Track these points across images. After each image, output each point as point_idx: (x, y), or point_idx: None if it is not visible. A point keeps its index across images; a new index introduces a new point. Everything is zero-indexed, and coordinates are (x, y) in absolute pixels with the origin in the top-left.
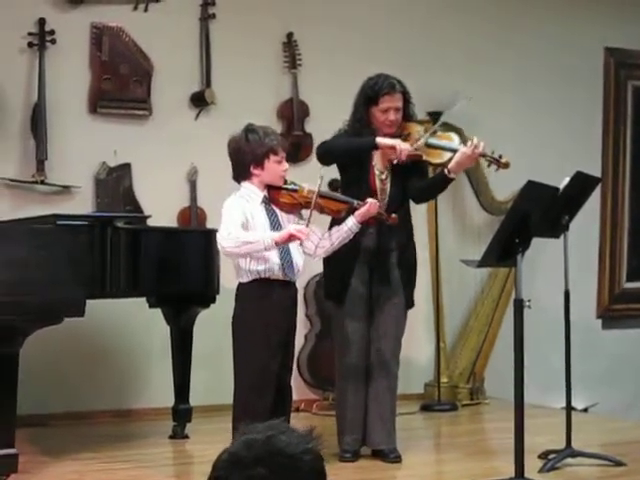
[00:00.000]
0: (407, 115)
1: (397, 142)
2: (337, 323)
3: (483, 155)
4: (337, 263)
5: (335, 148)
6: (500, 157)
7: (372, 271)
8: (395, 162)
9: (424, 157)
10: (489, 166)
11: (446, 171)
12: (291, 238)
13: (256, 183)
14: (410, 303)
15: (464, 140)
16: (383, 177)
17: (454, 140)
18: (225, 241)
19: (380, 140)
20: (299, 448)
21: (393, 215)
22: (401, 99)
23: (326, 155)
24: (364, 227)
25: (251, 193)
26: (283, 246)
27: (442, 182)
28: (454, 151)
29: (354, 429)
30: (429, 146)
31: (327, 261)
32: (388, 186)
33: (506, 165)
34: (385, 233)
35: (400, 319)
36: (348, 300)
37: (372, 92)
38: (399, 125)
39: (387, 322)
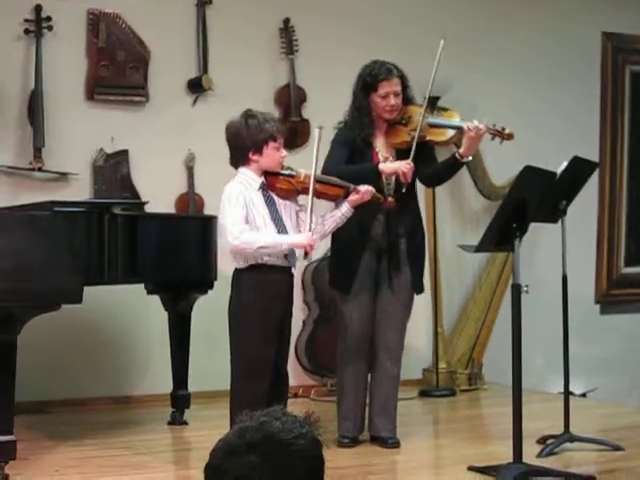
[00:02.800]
0: (406, 99)
1: (397, 166)
2: (342, 310)
3: (487, 130)
4: (346, 252)
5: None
6: (503, 129)
7: (380, 258)
8: (404, 190)
9: (428, 137)
10: (493, 139)
11: (457, 155)
12: (306, 249)
13: (254, 169)
14: (419, 289)
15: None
16: (388, 162)
17: (455, 117)
18: (237, 241)
19: (382, 167)
20: (292, 433)
21: (390, 199)
22: (399, 83)
23: None
24: (374, 215)
25: (249, 179)
26: (281, 231)
27: (454, 166)
28: (457, 128)
29: (354, 415)
30: (432, 126)
31: (335, 250)
32: (393, 183)
33: (510, 136)
34: (393, 220)
35: (407, 306)
36: (354, 289)
37: (370, 78)
38: (400, 110)
39: (394, 309)
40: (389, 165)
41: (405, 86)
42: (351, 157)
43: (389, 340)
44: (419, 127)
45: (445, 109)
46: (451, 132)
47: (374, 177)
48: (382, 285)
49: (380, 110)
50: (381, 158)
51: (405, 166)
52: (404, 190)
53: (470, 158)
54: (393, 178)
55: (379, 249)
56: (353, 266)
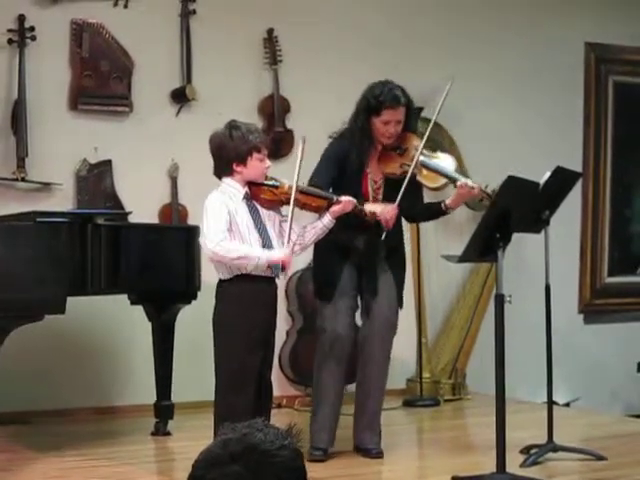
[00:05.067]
0: (407, 126)
1: (381, 210)
2: (322, 319)
3: (480, 193)
4: (327, 264)
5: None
6: (494, 193)
7: (361, 271)
8: (383, 237)
9: (418, 178)
10: (481, 200)
11: (444, 206)
12: (283, 264)
13: (238, 179)
14: (400, 304)
15: (457, 157)
16: (376, 186)
17: (450, 164)
18: (217, 247)
19: (368, 208)
20: (275, 445)
21: (373, 211)
22: (404, 112)
23: None
24: (356, 229)
25: (232, 189)
26: (266, 243)
27: (437, 214)
28: (450, 179)
29: (329, 426)
30: (425, 167)
31: (317, 262)
32: (381, 196)
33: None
34: (374, 233)
35: (392, 320)
36: (336, 297)
37: (375, 102)
38: (399, 136)
39: (379, 323)
40: (374, 206)
41: (409, 112)
42: (340, 174)
43: (376, 355)
44: (413, 166)
45: (428, 120)
46: (443, 181)
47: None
48: (365, 300)
49: (378, 134)
50: (370, 181)
51: (389, 212)
52: (383, 237)
53: (451, 212)
54: (381, 191)
55: (360, 262)
56: (334, 277)
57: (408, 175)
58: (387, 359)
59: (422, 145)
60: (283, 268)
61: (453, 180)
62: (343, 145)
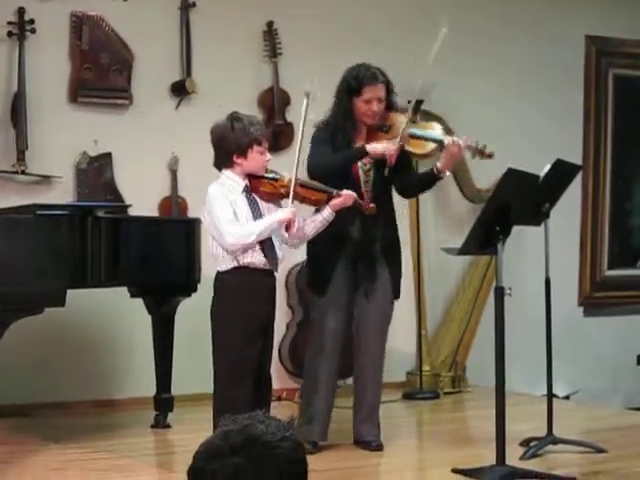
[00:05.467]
0: (389, 105)
1: (385, 147)
2: (317, 312)
3: (468, 148)
4: (321, 254)
5: (330, 169)
6: (485, 147)
7: (356, 262)
8: (386, 173)
9: (407, 148)
10: (473, 157)
11: (435, 170)
12: (288, 222)
13: (237, 172)
14: (397, 294)
15: (446, 128)
16: (366, 168)
17: (436, 129)
18: (242, 240)
19: (370, 148)
20: (276, 436)
21: (371, 205)
22: (384, 89)
23: (322, 177)
24: (349, 219)
25: (232, 182)
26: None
27: (430, 181)
28: (437, 142)
29: (323, 419)
30: (412, 136)
31: (310, 252)
32: (372, 177)
33: (490, 156)
34: (369, 224)
35: (387, 311)
36: (330, 290)
37: (355, 82)
38: (382, 116)
39: (374, 314)
40: (376, 146)
41: (389, 92)
42: None
43: (371, 346)
44: (400, 136)
45: (430, 114)
46: (432, 145)
47: (362, 157)
48: (360, 291)
49: (361, 115)
50: (359, 164)
51: (392, 147)
52: (386, 174)
53: (448, 174)
54: (372, 172)
55: (355, 254)
56: (328, 271)
57: (397, 140)
58: (382, 350)
59: (410, 113)
60: (288, 227)
61: (440, 142)
62: (328, 130)
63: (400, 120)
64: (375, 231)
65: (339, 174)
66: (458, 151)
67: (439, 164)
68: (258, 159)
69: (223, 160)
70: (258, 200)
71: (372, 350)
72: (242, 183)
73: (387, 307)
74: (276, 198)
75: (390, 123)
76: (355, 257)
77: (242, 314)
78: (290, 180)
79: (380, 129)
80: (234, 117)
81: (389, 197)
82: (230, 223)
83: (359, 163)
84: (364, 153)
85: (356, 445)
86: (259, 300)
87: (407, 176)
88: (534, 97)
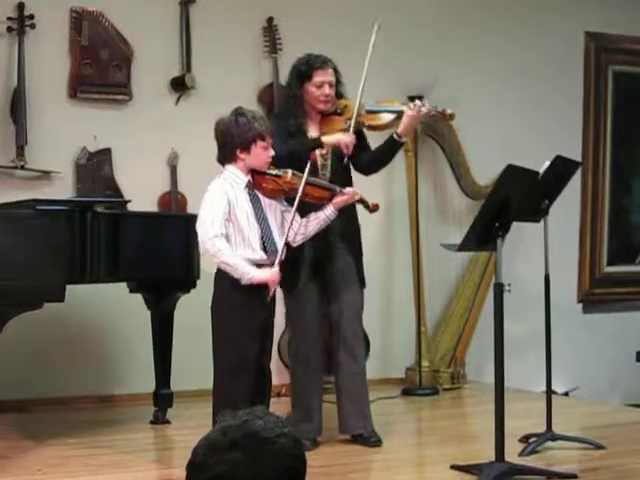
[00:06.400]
0: (338, 94)
1: (339, 137)
2: (290, 311)
3: (429, 112)
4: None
5: (282, 159)
6: (444, 110)
7: (321, 255)
8: (345, 161)
9: (367, 123)
10: (437, 121)
11: (395, 136)
12: (268, 283)
13: (240, 167)
14: (363, 283)
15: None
16: (324, 152)
17: (395, 102)
18: (209, 243)
19: (325, 139)
20: (275, 432)
21: (375, 203)
22: (333, 74)
23: (279, 165)
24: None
25: (235, 177)
26: (266, 233)
27: (393, 147)
28: (397, 112)
29: (313, 416)
30: (370, 112)
31: None
32: (329, 162)
33: (451, 116)
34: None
35: (358, 301)
36: (300, 287)
37: (305, 67)
38: (333, 102)
39: (346, 306)
40: (331, 137)
41: (338, 81)
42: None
43: (346, 338)
44: (355, 112)
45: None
46: (391, 116)
47: (316, 147)
48: (328, 284)
49: (314, 100)
50: (317, 153)
51: (347, 138)
52: (345, 162)
53: (406, 139)
54: (329, 157)
55: (317, 247)
56: (295, 265)
57: (353, 118)
58: (359, 340)
59: (361, 87)
60: (266, 288)
61: (400, 112)
62: (281, 118)
63: (352, 102)
64: (334, 222)
65: (290, 164)
66: (417, 113)
67: (399, 129)
68: (261, 154)
69: (226, 155)
70: (260, 197)
71: (349, 342)
72: (245, 179)
73: (358, 298)
74: (278, 195)
75: (343, 105)
76: (319, 250)
77: (242, 309)
78: (293, 176)
79: (334, 113)
80: (238, 112)
81: (349, 184)
82: (213, 225)
83: (317, 153)
84: (319, 143)
85: (354, 441)
86: (259, 295)
87: (364, 155)
88: (533, 94)
